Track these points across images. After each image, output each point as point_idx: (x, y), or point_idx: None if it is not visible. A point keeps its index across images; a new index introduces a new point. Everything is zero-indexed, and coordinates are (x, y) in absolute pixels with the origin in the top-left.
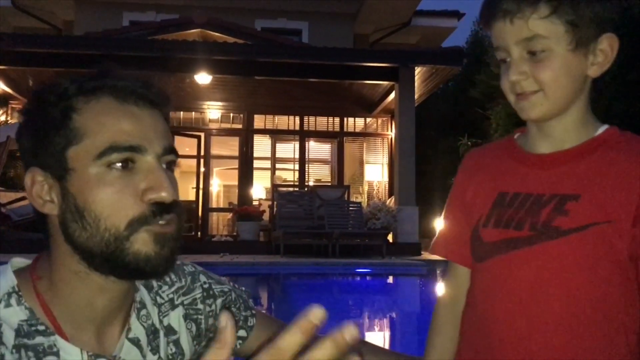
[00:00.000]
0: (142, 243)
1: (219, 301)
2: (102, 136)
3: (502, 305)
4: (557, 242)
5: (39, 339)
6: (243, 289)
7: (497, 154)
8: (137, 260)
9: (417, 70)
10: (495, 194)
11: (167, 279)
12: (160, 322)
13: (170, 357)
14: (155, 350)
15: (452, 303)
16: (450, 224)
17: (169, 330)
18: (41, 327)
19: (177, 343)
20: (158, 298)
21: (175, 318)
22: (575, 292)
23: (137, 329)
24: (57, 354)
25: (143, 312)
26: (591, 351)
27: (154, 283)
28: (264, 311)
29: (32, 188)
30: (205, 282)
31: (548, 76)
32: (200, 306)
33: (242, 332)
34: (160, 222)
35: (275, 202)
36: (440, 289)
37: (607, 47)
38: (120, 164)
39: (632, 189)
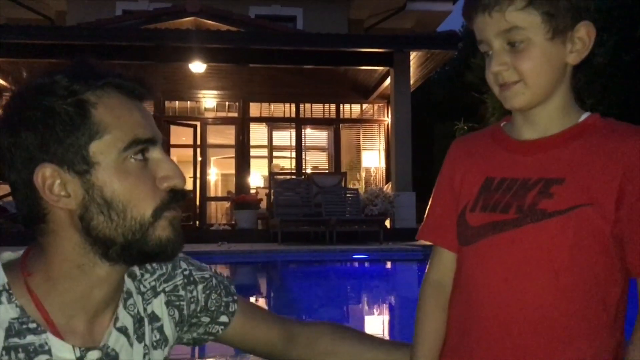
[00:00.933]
0: (162, 229)
1: (199, 287)
2: (123, 130)
3: (487, 286)
4: (542, 224)
5: (30, 338)
6: (224, 275)
7: (483, 142)
8: (160, 245)
9: (413, 55)
10: (482, 179)
11: (149, 267)
12: (145, 310)
13: (154, 343)
14: (140, 338)
15: (438, 287)
16: (438, 209)
17: (153, 318)
18: (32, 325)
19: (160, 330)
20: (141, 286)
21: (158, 305)
22: (559, 272)
23: (125, 318)
24: (48, 352)
25: (130, 301)
26: (574, 330)
27: (137, 272)
28: (262, 299)
29: (45, 185)
30: (185, 269)
31: (528, 66)
32: (181, 292)
33: (223, 318)
34: (174, 208)
35: (272, 190)
36: (425, 274)
37: (584, 35)
38: (140, 155)
39: (614, 171)
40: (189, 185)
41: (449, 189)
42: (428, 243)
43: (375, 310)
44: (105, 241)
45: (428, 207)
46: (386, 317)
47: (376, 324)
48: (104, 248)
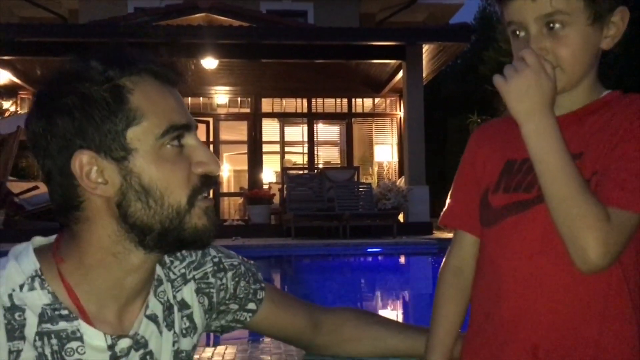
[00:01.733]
0: (197, 217)
1: (229, 274)
2: (159, 116)
3: (511, 264)
4: None
5: (62, 324)
6: (252, 262)
7: (505, 126)
8: (196, 233)
9: (425, 48)
10: (504, 161)
11: (179, 254)
12: (174, 297)
13: (184, 331)
14: (170, 325)
15: (457, 273)
16: (459, 195)
17: (183, 305)
18: (64, 312)
19: (190, 317)
20: (171, 274)
21: (187, 293)
22: None
23: (155, 306)
24: (80, 338)
25: (160, 288)
26: (597, 302)
27: (166, 259)
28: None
29: (82, 172)
30: (215, 256)
31: (567, 52)
32: (211, 280)
33: (251, 305)
34: (205, 195)
35: (285, 185)
36: (445, 260)
37: (618, 20)
38: (177, 142)
39: (616, 137)
40: None
41: (470, 175)
42: (442, 236)
43: (389, 304)
44: (143, 228)
45: (449, 194)
46: (400, 311)
47: (390, 316)
48: (141, 236)
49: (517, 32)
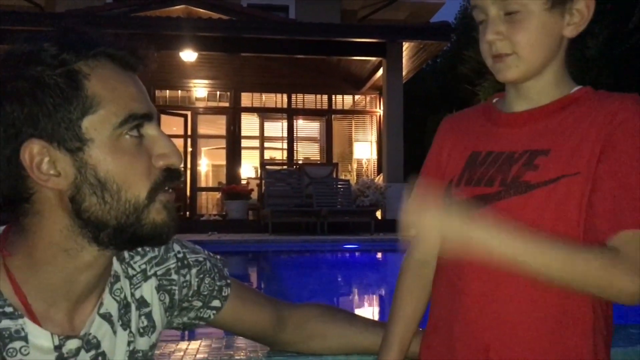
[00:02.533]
0: (156, 212)
1: (193, 271)
2: (118, 104)
3: (469, 260)
4: (525, 197)
5: (5, 323)
6: (218, 257)
7: (472, 117)
8: (154, 229)
9: (405, 45)
10: (468, 154)
11: (140, 249)
12: (132, 294)
13: (141, 330)
14: (126, 325)
15: (421, 266)
16: (424, 186)
17: (141, 303)
18: (9, 309)
19: (148, 316)
20: (130, 270)
21: (147, 290)
22: None
23: (110, 304)
24: (25, 338)
25: (117, 285)
26: (554, 306)
27: (126, 254)
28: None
29: (33, 163)
30: (179, 252)
31: (523, 38)
32: (174, 276)
33: (215, 302)
34: (168, 189)
35: (263, 181)
36: (407, 252)
37: (583, 7)
38: (136, 131)
39: (598, 137)
40: None
41: (435, 166)
42: None
43: (365, 300)
44: (97, 224)
45: (416, 184)
46: (376, 307)
47: (366, 313)
48: (95, 231)
49: (481, 20)
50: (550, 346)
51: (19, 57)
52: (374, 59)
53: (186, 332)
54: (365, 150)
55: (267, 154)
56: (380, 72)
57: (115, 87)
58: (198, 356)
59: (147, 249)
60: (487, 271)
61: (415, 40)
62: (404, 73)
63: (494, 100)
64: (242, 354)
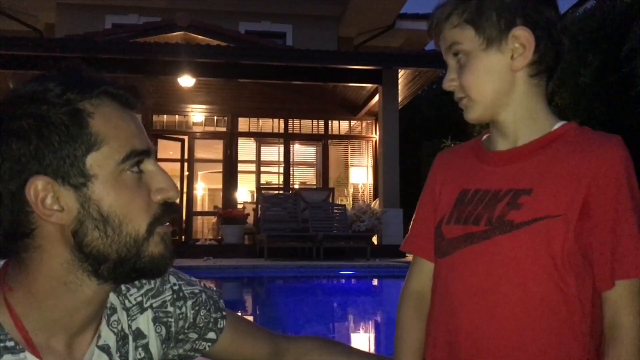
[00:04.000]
0: (155, 245)
1: (189, 303)
2: (120, 141)
3: (459, 298)
4: (509, 236)
5: (7, 357)
6: (214, 289)
7: (463, 154)
8: (152, 262)
9: (401, 72)
10: (458, 191)
11: (137, 282)
12: (129, 326)
13: None
14: (124, 356)
15: (418, 297)
16: (419, 221)
17: (138, 335)
18: (10, 344)
19: (145, 347)
20: (126, 302)
21: (144, 322)
22: (527, 284)
23: (107, 336)
24: None
25: (113, 317)
26: (546, 343)
27: (122, 286)
28: (248, 315)
29: (37, 198)
30: (175, 284)
31: (469, 79)
32: (170, 309)
33: (211, 334)
34: (166, 222)
35: (259, 205)
36: (405, 284)
37: (521, 36)
38: (136, 167)
39: (580, 182)
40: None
41: (430, 201)
42: None
43: (361, 327)
44: (98, 258)
45: (412, 219)
46: (372, 334)
47: (363, 340)
48: (95, 265)
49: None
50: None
51: (25, 97)
52: (370, 85)
53: None
54: (361, 175)
55: (264, 179)
56: (376, 98)
57: (117, 125)
58: None
59: (144, 281)
60: (477, 305)
61: (411, 68)
62: (399, 99)
63: (484, 137)
64: None
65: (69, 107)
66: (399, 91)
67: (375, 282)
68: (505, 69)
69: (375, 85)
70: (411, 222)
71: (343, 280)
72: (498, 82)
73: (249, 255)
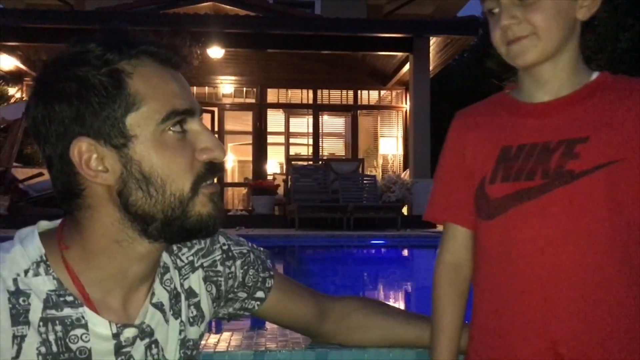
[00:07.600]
0: (202, 205)
1: (238, 262)
2: (160, 101)
3: (522, 256)
4: (572, 186)
5: (67, 311)
6: (261, 249)
7: (491, 111)
8: (201, 222)
9: (432, 40)
10: (498, 149)
11: (187, 242)
12: (181, 285)
13: (190, 320)
14: (177, 314)
15: (454, 269)
16: (446, 187)
17: (190, 293)
18: (69, 298)
19: (197, 306)
20: (178, 261)
21: (195, 280)
22: (596, 234)
23: (161, 294)
24: (85, 326)
25: (167, 276)
26: (613, 298)
27: (174, 246)
28: None
29: (82, 160)
30: (224, 244)
31: (540, 17)
32: (219, 268)
33: (260, 294)
34: (210, 182)
35: (289, 177)
36: (438, 257)
37: None
38: (179, 127)
39: (636, 124)
40: None
41: (457, 165)
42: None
43: (392, 296)
44: (145, 218)
45: (433, 185)
46: (402, 303)
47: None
48: (144, 225)
49: (492, 10)
50: (630, 326)
51: (67, 59)
52: (400, 54)
53: (213, 323)
54: (391, 145)
55: (293, 150)
56: (406, 67)
57: (157, 85)
58: (232, 343)
59: (194, 241)
60: (542, 264)
61: (443, 35)
62: (430, 68)
63: (508, 92)
64: (284, 345)
65: (107, 67)
66: (430, 60)
67: (405, 251)
68: (572, 15)
69: (406, 54)
70: (433, 189)
71: (374, 250)
72: (565, 27)
73: (280, 225)
